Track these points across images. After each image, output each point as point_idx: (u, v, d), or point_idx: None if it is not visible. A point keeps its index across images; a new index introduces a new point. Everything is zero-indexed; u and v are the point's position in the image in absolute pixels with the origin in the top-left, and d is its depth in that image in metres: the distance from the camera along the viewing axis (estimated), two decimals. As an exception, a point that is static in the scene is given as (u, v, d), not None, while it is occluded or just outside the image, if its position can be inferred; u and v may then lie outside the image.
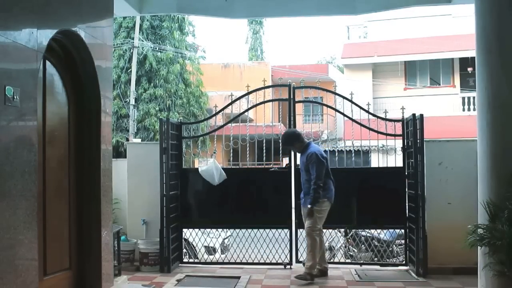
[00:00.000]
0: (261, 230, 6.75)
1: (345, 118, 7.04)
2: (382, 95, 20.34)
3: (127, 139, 16.40)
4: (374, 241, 6.97)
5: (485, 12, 4.85)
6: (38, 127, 3.88)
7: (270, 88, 7.41)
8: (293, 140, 6.13)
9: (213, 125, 7.18)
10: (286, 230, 6.64)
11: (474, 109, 17.38)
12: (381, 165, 7.44)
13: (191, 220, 6.81)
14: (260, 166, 9.31)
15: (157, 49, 18.05)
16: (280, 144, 6.51)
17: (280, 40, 57.50)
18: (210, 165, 6.57)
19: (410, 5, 7.22)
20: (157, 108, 17.50)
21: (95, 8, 4.86)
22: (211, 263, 7.02)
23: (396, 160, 6.62)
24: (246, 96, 6.97)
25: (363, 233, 7.09)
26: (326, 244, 7.31)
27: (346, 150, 7.22)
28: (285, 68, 23.64)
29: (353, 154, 7.27)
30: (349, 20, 23.15)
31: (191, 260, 7.03)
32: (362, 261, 6.83)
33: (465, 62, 19.35)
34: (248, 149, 7.17)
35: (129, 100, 17.49)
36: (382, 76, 21.31)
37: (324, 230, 6.89)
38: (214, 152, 7.33)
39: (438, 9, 18.13)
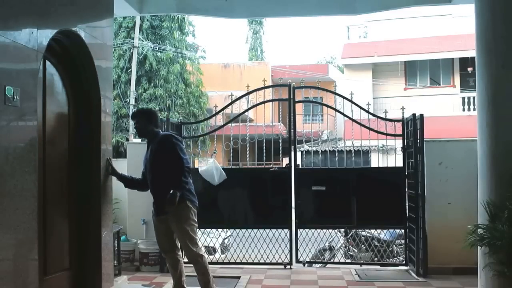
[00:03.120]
0: (261, 230, 6.75)
1: (345, 118, 7.04)
2: (382, 95, 20.34)
3: (127, 139, 16.38)
4: (374, 241, 6.97)
5: (485, 12, 4.85)
6: (38, 127, 3.88)
7: (270, 88, 7.41)
8: (149, 117, 4.64)
9: (213, 125, 7.18)
10: (286, 230, 6.64)
11: (474, 109, 17.37)
12: (381, 165, 7.44)
13: (191, 220, 6.81)
14: (260, 166, 9.30)
15: (157, 49, 18.04)
16: (131, 116, 5.00)
17: (280, 40, 57.54)
18: (210, 165, 6.57)
19: (410, 5, 7.23)
20: (157, 108, 17.47)
21: (95, 8, 4.86)
22: (211, 263, 6.97)
23: (396, 160, 6.62)
24: (246, 96, 6.97)
25: (363, 233, 7.09)
26: (326, 244, 7.34)
27: (346, 150, 7.22)
28: (285, 68, 23.64)
29: (353, 154, 7.28)
30: (349, 20, 23.11)
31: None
32: (362, 261, 6.83)
33: (465, 62, 19.35)
34: (248, 149, 7.17)
35: (129, 100, 17.49)
36: (382, 76, 21.31)
37: (324, 230, 6.92)
38: (214, 152, 7.34)
39: (438, 9, 18.13)
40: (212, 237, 7.71)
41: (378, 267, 6.64)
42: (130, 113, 6.26)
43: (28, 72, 3.71)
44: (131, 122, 17.03)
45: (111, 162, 4.89)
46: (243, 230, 6.83)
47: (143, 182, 4.82)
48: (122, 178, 4.97)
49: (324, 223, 6.76)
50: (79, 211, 4.67)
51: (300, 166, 7.37)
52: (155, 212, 4.63)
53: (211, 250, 7.87)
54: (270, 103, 7.58)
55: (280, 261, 6.61)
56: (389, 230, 6.99)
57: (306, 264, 6.71)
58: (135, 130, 4.86)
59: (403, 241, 6.78)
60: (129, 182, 5.01)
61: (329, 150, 7.87)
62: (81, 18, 4.55)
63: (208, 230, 7.39)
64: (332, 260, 7.17)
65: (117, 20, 16.88)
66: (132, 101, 17.34)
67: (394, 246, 7.04)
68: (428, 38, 19.93)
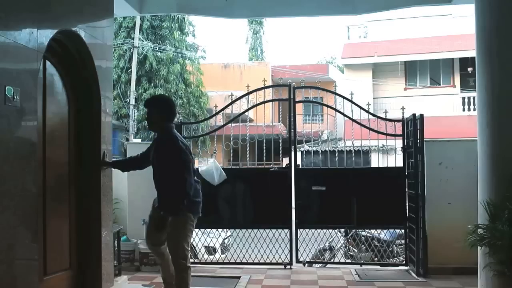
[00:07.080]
0: (261, 230, 6.75)
1: (345, 118, 7.04)
2: (382, 95, 20.35)
3: (127, 139, 16.40)
4: (374, 241, 6.97)
5: (485, 12, 4.85)
6: (38, 127, 3.87)
7: (270, 88, 7.41)
8: (162, 109, 4.40)
9: (213, 125, 7.18)
10: (286, 230, 6.64)
11: (474, 109, 17.38)
12: (381, 165, 7.44)
13: (191, 220, 6.80)
14: (260, 166, 9.30)
15: (157, 49, 18.06)
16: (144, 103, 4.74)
17: (280, 40, 57.60)
18: (210, 165, 6.57)
19: (410, 5, 7.24)
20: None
21: (95, 8, 4.86)
22: (211, 263, 7.01)
23: (396, 160, 6.62)
24: (246, 96, 6.97)
25: (363, 233, 7.09)
26: (326, 244, 7.33)
27: (346, 150, 7.22)
28: (285, 68, 23.67)
29: (353, 154, 7.27)
30: (349, 20, 23.14)
31: (191, 260, 7.01)
32: (362, 261, 6.83)
33: (465, 62, 19.35)
34: (248, 149, 7.17)
35: (129, 100, 17.52)
36: (382, 76, 21.32)
37: (324, 230, 6.92)
38: (214, 152, 7.33)
39: (438, 9, 18.13)
40: (212, 237, 7.70)
41: (378, 267, 6.64)
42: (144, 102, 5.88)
43: (28, 72, 3.71)
44: (131, 122, 17.10)
45: (106, 155, 4.80)
46: (243, 230, 6.83)
47: (143, 160, 4.66)
48: (116, 164, 4.93)
49: (324, 223, 6.76)
50: (79, 211, 4.67)
51: (300, 166, 7.37)
52: (156, 203, 4.45)
53: (211, 250, 7.87)
54: (270, 103, 7.58)
55: (280, 261, 6.61)
56: (389, 230, 6.99)
57: (306, 264, 6.71)
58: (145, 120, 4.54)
59: (403, 241, 6.78)
60: (125, 165, 5.04)
61: (329, 150, 7.85)
62: (81, 18, 4.55)
63: (208, 230, 7.39)
64: (332, 260, 7.17)
65: (117, 20, 16.91)
66: (132, 101, 17.36)
67: (394, 246, 7.04)
68: (428, 38, 19.94)
